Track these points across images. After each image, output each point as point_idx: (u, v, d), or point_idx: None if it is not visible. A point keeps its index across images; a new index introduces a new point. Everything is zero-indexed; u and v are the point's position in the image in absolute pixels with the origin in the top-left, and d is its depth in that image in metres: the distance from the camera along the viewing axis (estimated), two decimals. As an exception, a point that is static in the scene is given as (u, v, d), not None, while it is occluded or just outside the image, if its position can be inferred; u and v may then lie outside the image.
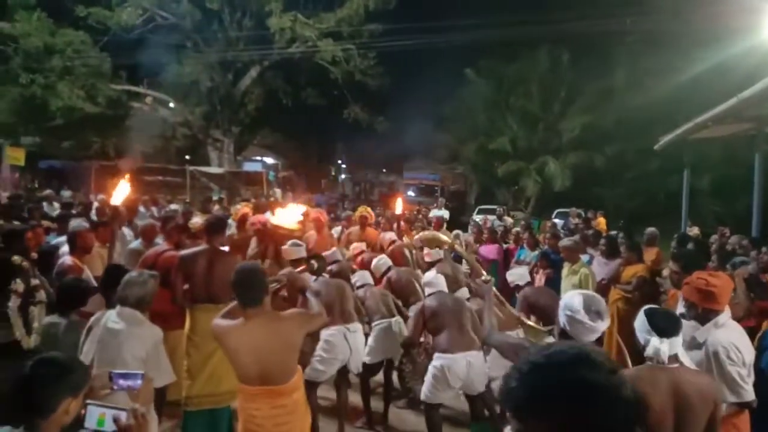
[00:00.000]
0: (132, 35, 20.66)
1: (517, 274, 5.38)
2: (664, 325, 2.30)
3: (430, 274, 4.60)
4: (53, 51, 19.14)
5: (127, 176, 5.29)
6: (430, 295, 4.38)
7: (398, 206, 8.59)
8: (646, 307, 2.43)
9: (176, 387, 4.04)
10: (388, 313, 4.84)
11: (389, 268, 5.57)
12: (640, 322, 2.37)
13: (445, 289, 4.45)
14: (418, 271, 5.97)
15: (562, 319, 2.37)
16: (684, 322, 2.93)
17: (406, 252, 6.67)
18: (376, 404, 4.91)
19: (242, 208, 6.58)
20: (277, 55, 22.28)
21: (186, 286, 4.34)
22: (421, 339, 4.48)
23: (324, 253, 5.95)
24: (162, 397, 3.40)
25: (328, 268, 5.59)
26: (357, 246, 6.38)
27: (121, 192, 5.02)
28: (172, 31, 21.76)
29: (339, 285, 4.72)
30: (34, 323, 4.04)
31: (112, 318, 3.22)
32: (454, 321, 4.07)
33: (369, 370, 4.68)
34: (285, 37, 20.98)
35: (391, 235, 7.16)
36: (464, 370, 3.93)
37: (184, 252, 4.59)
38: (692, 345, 2.88)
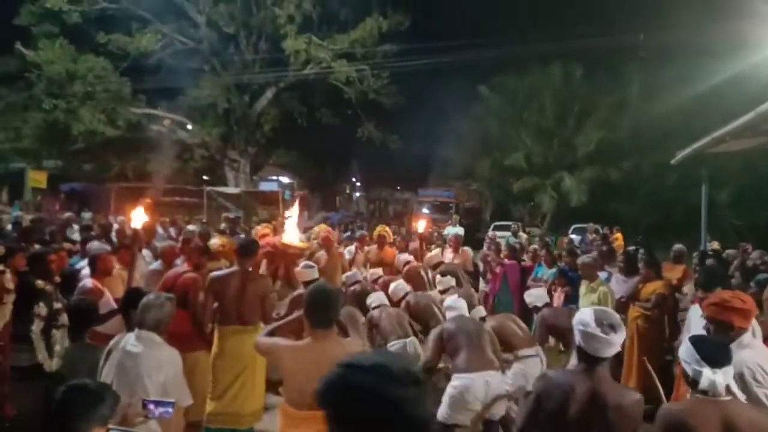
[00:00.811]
0: (151, 60, 21.17)
1: (535, 295, 5.35)
2: (716, 355, 2.18)
3: (452, 299, 4.56)
4: (75, 77, 19.67)
5: (149, 200, 5.38)
6: (450, 319, 4.36)
7: (420, 225, 8.54)
8: (691, 335, 2.33)
9: (194, 408, 4.07)
10: (404, 333, 4.81)
11: (407, 293, 5.55)
12: (687, 352, 2.24)
13: (466, 313, 4.42)
14: (436, 294, 5.93)
15: (576, 336, 2.34)
16: None
17: (422, 273, 6.65)
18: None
19: (262, 230, 6.62)
20: (292, 77, 22.64)
21: (215, 306, 4.40)
22: (440, 365, 4.43)
23: (345, 275, 5.97)
24: (179, 419, 3.42)
25: (350, 289, 5.60)
26: (374, 272, 6.37)
27: (140, 215, 5.09)
28: (190, 55, 22.29)
29: (349, 312, 4.74)
30: (56, 346, 4.11)
31: (130, 341, 3.26)
32: (472, 341, 4.04)
33: None
34: (300, 59, 21.34)
35: (405, 257, 7.15)
36: (483, 389, 3.88)
37: (215, 273, 4.64)
38: None
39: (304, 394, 2.68)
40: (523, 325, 4.89)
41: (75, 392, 1.85)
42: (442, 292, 5.87)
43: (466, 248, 8.49)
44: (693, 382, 2.19)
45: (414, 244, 7.34)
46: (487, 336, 4.21)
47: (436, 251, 7.51)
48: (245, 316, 4.31)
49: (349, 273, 5.88)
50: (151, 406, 2.13)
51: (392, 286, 5.71)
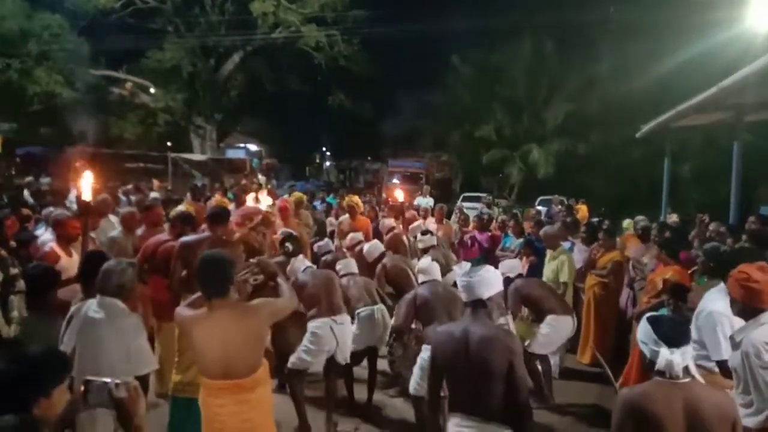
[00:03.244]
0: (111, 19, 20.25)
1: (508, 266, 5.43)
2: (673, 334, 2.10)
3: (425, 262, 4.55)
4: (30, 35, 18.68)
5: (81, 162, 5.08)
6: (423, 283, 4.36)
7: (399, 195, 8.57)
8: (648, 314, 2.26)
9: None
10: (371, 300, 4.83)
11: (382, 254, 5.56)
12: (644, 332, 2.16)
13: (439, 278, 4.42)
14: (414, 260, 5.96)
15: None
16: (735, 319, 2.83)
17: (404, 239, 6.69)
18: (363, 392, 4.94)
19: (218, 200, 6.46)
20: (259, 41, 22.04)
21: (184, 273, 4.30)
22: (412, 326, 4.47)
23: (318, 244, 5.93)
24: (145, 385, 3.38)
25: (322, 258, 5.57)
26: (354, 237, 6.36)
27: (87, 183, 4.76)
28: (153, 14, 21.39)
29: (327, 276, 4.69)
30: (13, 312, 4.00)
31: (92, 308, 3.18)
32: (445, 312, 4.02)
33: (352, 358, 4.69)
34: (268, 22, 20.75)
35: (390, 222, 7.21)
36: None
37: (185, 239, 4.54)
38: (734, 345, 2.73)
39: (209, 364, 2.70)
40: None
41: (18, 362, 1.81)
42: (424, 251, 5.92)
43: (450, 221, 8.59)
44: (650, 364, 2.13)
45: (389, 221, 7.33)
46: (460, 303, 4.21)
47: (418, 222, 7.54)
48: None
49: (321, 242, 5.85)
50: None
51: (367, 246, 5.73)
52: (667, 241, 5.31)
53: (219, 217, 4.47)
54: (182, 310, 2.85)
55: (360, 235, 6.45)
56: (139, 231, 5.53)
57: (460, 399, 2.58)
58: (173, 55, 20.88)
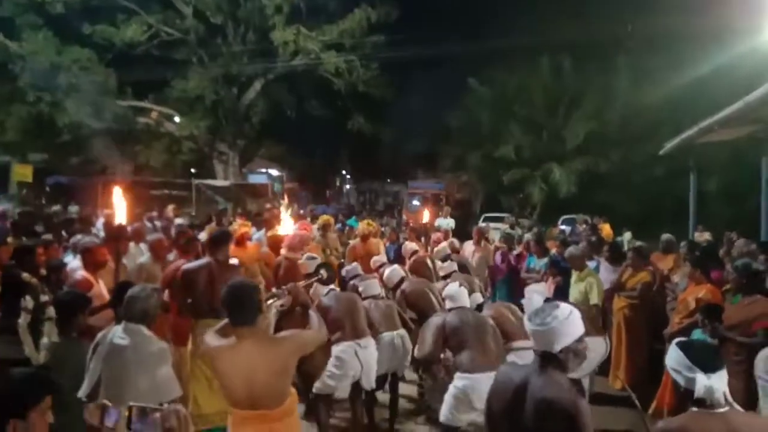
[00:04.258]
0: (137, 51, 20.89)
1: (535, 291, 5.34)
2: (707, 358, 1.97)
3: (453, 287, 4.43)
4: (60, 68, 19.35)
5: (123, 191, 5.24)
6: (451, 309, 4.27)
7: (425, 216, 8.56)
8: (677, 340, 2.12)
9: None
10: (392, 326, 4.77)
11: (402, 279, 5.52)
12: (674, 359, 2.02)
13: (467, 304, 4.33)
14: (436, 283, 5.92)
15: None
16: None
17: (428, 262, 6.66)
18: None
19: (240, 227, 6.57)
20: (280, 68, 22.46)
21: (189, 300, 4.34)
22: (441, 355, 4.39)
23: (345, 268, 5.95)
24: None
25: (350, 282, 5.57)
26: (377, 260, 6.36)
27: (122, 209, 4.95)
28: (177, 46, 22.01)
29: (350, 299, 4.67)
30: (44, 339, 4.06)
31: (118, 334, 3.22)
32: (476, 338, 3.94)
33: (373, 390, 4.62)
34: (288, 50, 21.15)
35: (412, 246, 7.20)
36: (487, 390, 3.81)
37: (186, 265, 4.59)
38: None
39: (236, 394, 2.65)
40: (519, 314, 4.86)
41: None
42: (445, 277, 5.88)
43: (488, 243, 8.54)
44: (687, 393, 1.97)
45: (411, 245, 7.34)
46: (491, 329, 4.11)
47: (443, 245, 7.52)
48: (218, 308, 4.21)
49: (349, 267, 5.84)
50: (111, 412, 2.17)
51: (387, 271, 5.67)
52: (699, 260, 5.18)
53: (219, 241, 4.46)
54: (210, 339, 2.80)
55: (383, 258, 6.44)
56: (171, 257, 5.62)
57: None
58: (197, 84, 21.39)
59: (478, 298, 5.02)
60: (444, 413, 3.90)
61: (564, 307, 2.19)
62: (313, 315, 3.16)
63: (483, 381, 3.76)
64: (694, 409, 1.95)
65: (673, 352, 2.05)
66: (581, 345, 2.16)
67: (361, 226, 7.94)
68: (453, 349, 4.05)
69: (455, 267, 6.08)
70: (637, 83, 20.86)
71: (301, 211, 15.00)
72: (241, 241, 6.36)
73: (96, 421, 2.29)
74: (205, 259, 4.46)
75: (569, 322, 2.14)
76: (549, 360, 2.14)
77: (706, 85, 14.36)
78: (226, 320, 2.93)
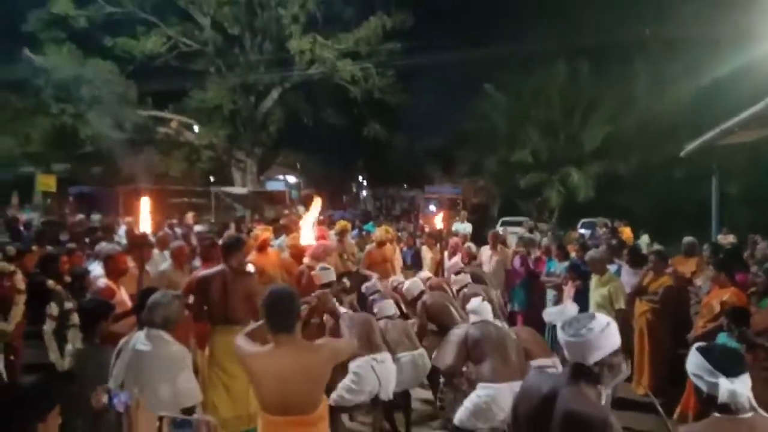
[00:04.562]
0: (157, 62, 21.27)
1: (553, 315, 5.28)
2: (730, 362, 1.92)
3: (475, 302, 4.43)
4: (82, 81, 19.79)
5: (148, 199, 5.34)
6: (474, 323, 4.26)
7: (438, 222, 8.56)
8: (697, 345, 2.08)
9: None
10: (411, 345, 4.76)
11: (422, 292, 5.49)
12: (696, 363, 1.97)
13: (491, 318, 4.32)
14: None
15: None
16: None
17: (445, 286, 6.59)
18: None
19: (262, 233, 6.62)
20: (297, 77, 22.69)
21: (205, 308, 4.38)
22: (464, 368, 4.37)
23: (365, 285, 5.94)
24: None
25: (370, 298, 5.56)
26: (394, 279, 6.30)
27: (145, 217, 5.06)
28: (196, 57, 22.37)
29: (365, 317, 4.69)
30: (68, 346, 4.14)
31: (140, 340, 3.26)
32: (498, 350, 3.94)
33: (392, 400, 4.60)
34: (305, 59, 21.36)
35: (426, 274, 7.13)
36: (509, 401, 3.64)
37: (201, 273, 4.64)
38: None
39: (271, 400, 2.64)
40: (540, 337, 4.82)
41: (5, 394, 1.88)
42: (459, 290, 5.86)
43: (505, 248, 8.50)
44: (709, 398, 1.91)
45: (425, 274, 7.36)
46: (513, 342, 4.11)
47: (455, 260, 7.48)
48: (233, 315, 4.23)
49: (368, 283, 5.84)
50: (117, 396, 2.24)
51: (407, 284, 5.64)
52: (723, 263, 5.08)
53: (232, 248, 4.45)
54: (244, 344, 2.79)
55: (401, 277, 6.43)
56: (196, 263, 5.69)
57: None
58: (215, 94, 21.69)
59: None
60: (460, 417, 3.88)
61: (600, 319, 2.05)
62: (343, 324, 3.12)
63: (504, 391, 3.74)
64: (717, 414, 1.90)
65: (694, 357, 2.00)
66: (617, 359, 2.03)
67: (378, 232, 7.96)
68: (475, 361, 4.03)
69: (468, 279, 6.04)
70: (656, 86, 20.62)
71: (321, 217, 15.06)
72: (263, 246, 6.40)
73: (101, 405, 2.34)
74: (219, 267, 4.49)
75: (605, 335, 1.99)
76: (581, 372, 2.02)
77: (724, 88, 14.15)
78: (254, 324, 2.94)
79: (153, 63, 21.21)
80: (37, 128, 20.60)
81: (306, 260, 6.14)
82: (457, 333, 4.32)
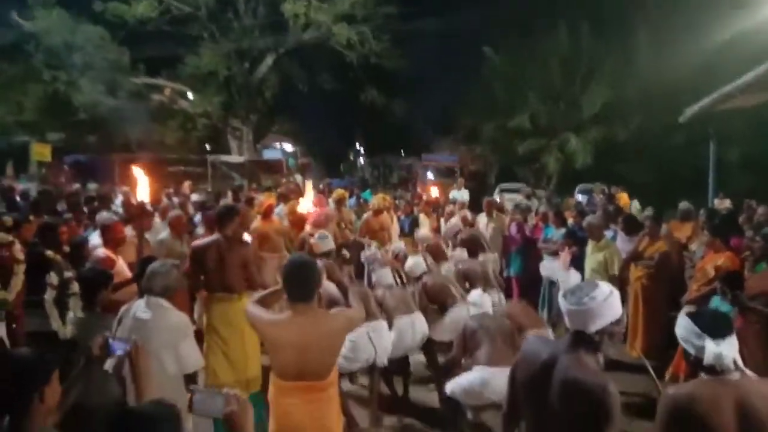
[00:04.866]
0: (149, 28, 20.83)
1: (550, 269, 5.35)
2: (716, 325, 1.97)
3: (475, 294, 4.51)
4: (73, 47, 19.41)
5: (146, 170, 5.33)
6: (473, 315, 4.34)
7: (434, 191, 8.58)
8: (685, 310, 2.15)
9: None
10: (408, 309, 4.82)
11: (423, 273, 5.49)
12: (684, 327, 2.03)
13: (490, 311, 4.39)
14: (453, 264, 5.96)
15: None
16: None
17: (442, 245, 6.70)
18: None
19: (266, 199, 6.63)
20: (292, 42, 22.27)
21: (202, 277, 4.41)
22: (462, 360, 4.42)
23: (364, 255, 5.97)
24: (193, 383, 3.49)
25: (369, 267, 5.58)
26: (396, 247, 6.37)
27: (143, 187, 5.07)
28: (188, 21, 21.88)
29: (360, 289, 4.74)
30: (70, 314, 4.19)
31: (140, 308, 3.31)
32: (493, 340, 4.00)
33: (390, 364, 4.67)
34: (299, 23, 20.93)
35: (425, 233, 7.29)
36: (502, 385, 3.74)
37: (196, 242, 4.66)
38: None
39: (287, 366, 2.69)
40: (532, 311, 4.88)
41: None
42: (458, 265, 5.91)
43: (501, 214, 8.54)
44: (696, 360, 1.98)
45: (424, 233, 7.37)
46: (510, 333, 4.15)
47: (454, 220, 7.52)
48: (228, 283, 4.30)
49: (368, 252, 5.87)
50: (114, 345, 2.29)
51: (410, 262, 5.67)
52: (719, 228, 5.12)
53: (226, 217, 4.46)
54: (259, 311, 2.82)
55: (401, 245, 6.47)
56: (200, 230, 5.72)
57: (532, 429, 2.25)
58: (209, 60, 21.33)
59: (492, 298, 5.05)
60: (453, 387, 3.94)
61: (603, 287, 2.06)
62: (353, 293, 3.17)
63: (498, 375, 3.73)
64: (704, 375, 1.96)
65: (683, 321, 2.04)
66: (618, 327, 2.06)
67: (375, 200, 8.00)
68: (471, 350, 4.09)
69: (465, 256, 6.09)
70: (657, 52, 20.30)
71: (321, 186, 15.06)
72: (268, 213, 6.41)
73: (99, 352, 2.41)
74: (214, 236, 4.51)
75: (608, 304, 2.01)
76: (582, 340, 2.04)
77: (726, 53, 13.93)
78: (263, 291, 2.99)
79: (145, 28, 20.74)
80: (29, 96, 20.33)
81: (307, 228, 6.17)
82: (455, 316, 4.33)
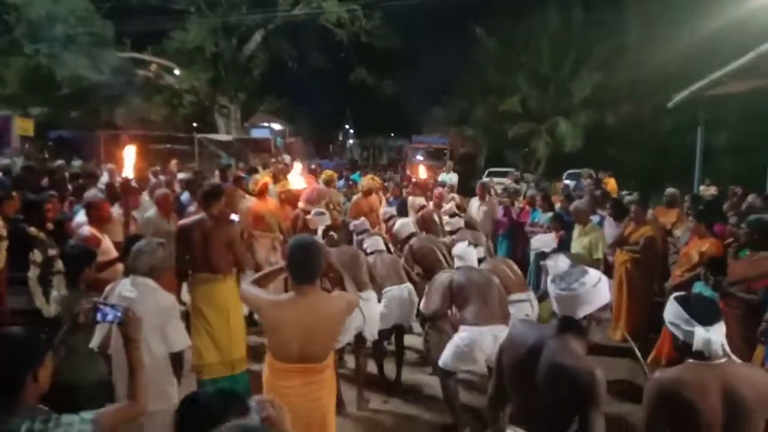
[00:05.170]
0: (134, 1, 20.33)
1: (543, 241, 5.38)
2: (705, 312, 1.98)
3: (461, 247, 4.47)
4: (56, 19, 18.91)
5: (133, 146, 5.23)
6: (458, 268, 4.32)
7: (422, 172, 8.52)
8: (675, 295, 2.11)
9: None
10: (399, 279, 4.83)
11: (411, 235, 5.52)
12: (674, 312, 2.02)
13: (476, 264, 4.37)
14: (444, 239, 5.96)
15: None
16: None
17: (435, 217, 6.70)
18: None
19: (262, 178, 6.53)
20: (281, 18, 21.88)
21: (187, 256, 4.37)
22: (448, 312, 4.45)
23: (353, 222, 5.96)
24: (180, 362, 3.48)
25: (357, 237, 5.58)
26: (387, 211, 6.39)
27: (129, 163, 4.99)
28: (175, -5, 21.40)
29: (352, 253, 4.73)
30: (54, 292, 4.13)
31: (126, 287, 3.27)
32: (481, 294, 4.01)
33: (380, 336, 4.71)
34: (289, -1, 20.59)
35: (420, 201, 7.23)
36: (490, 344, 3.82)
37: (182, 221, 4.62)
38: None
39: (288, 348, 2.66)
40: (516, 269, 4.93)
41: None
42: (452, 232, 5.92)
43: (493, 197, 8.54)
44: (684, 346, 1.99)
45: (419, 200, 7.35)
46: (496, 288, 4.17)
47: (450, 205, 7.51)
48: (213, 263, 4.26)
49: (356, 221, 5.87)
50: (104, 309, 2.16)
51: (398, 224, 5.69)
52: (703, 214, 5.18)
53: (212, 196, 4.41)
54: (257, 292, 2.79)
55: (393, 210, 6.46)
56: (192, 208, 5.67)
57: (518, 413, 2.26)
58: (196, 35, 20.93)
59: (480, 252, 5.05)
60: (443, 359, 4.00)
61: (593, 273, 2.09)
62: (347, 278, 3.14)
63: (485, 334, 3.86)
64: (692, 360, 1.98)
65: (671, 306, 2.05)
66: (605, 313, 2.09)
67: (364, 180, 7.95)
68: (458, 306, 4.12)
69: (462, 223, 6.10)
70: (648, 35, 20.28)
71: (312, 166, 14.96)
72: (263, 192, 6.36)
73: (85, 319, 2.34)
74: (199, 215, 4.45)
75: (596, 290, 2.05)
76: (569, 325, 2.07)
77: (719, 38, 13.92)
78: (255, 273, 2.99)
79: (130, 1, 20.25)
80: (11, 69, 19.81)
81: (300, 205, 6.13)
82: (441, 278, 4.38)
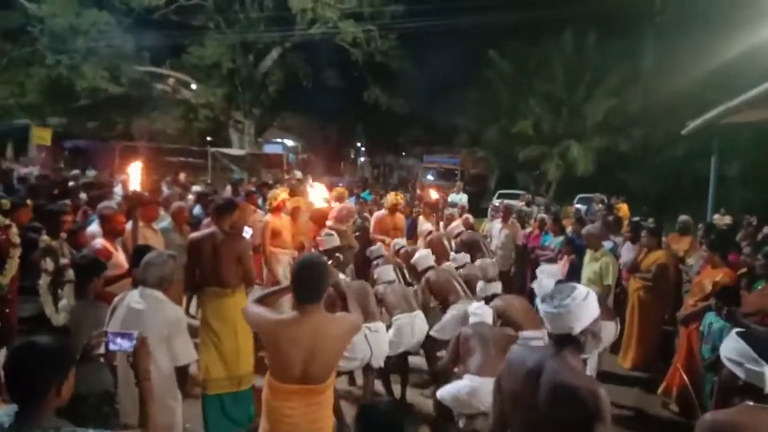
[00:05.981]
0: (155, 16, 20.76)
1: (549, 272, 5.34)
2: None
3: (478, 305, 4.44)
4: (78, 32, 19.32)
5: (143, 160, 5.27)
6: (472, 323, 4.27)
7: (431, 193, 8.50)
8: (737, 331, 2.00)
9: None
10: (408, 307, 4.80)
11: (429, 267, 5.46)
12: (737, 350, 1.90)
13: (489, 321, 4.33)
14: (451, 264, 5.94)
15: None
16: None
17: (444, 242, 6.66)
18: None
19: (280, 194, 6.50)
20: (298, 37, 22.21)
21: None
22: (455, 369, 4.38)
23: (369, 249, 5.93)
24: (185, 376, 3.46)
25: (374, 262, 5.56)
26: (397, 242, 6.36)
27: (136, 176, 4.98)
28: (195, 11, 21.81)
29: (361, 286, 4.71)
30: (63, 301, 4.16)
31: (134, 298, 3.27)
32: (487, 349, 3.96)
33: (388, 363, 4.65)
34: (306, 18, 20.88)
35: (427, 226, 7.20)
36: (490, 395, 3.75)
37: (193, 234, 4.61)
38: None
39: (289, 369, 2.60)
40: (531, 309, 4.85)
41: (23, 351, 1.82)
42: (458, 268, 5.89)
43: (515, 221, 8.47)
44: (746, 387, 1.85)
45: (427, 226, 7.32)
46: (505, 344, 4.09)
47: (456, 223, 7.47)
48: (222, 277, 4.25)
49: (373, 247, 5.84)
50: (116, 339, 2.16)
51: (417, 255, 5.63)
52: (717, 243, 5.11)
53: (223, 210, 4.40)
54: (261, 311, 2.73)
55: (403, 241, 6.44)
56: (205, 221, 5.71)
57: None
58: (214, 51, 21.26)
59: (496, 287, 4.98)
60: (442, 393, 3.92)
61: (581, 288, 2.09)
62: (351, 299, 3.10)
63: (486, 385, 3.71)
64: (750, 403, 1.85)
65: (734, 342, 1.92)
66: (597, 326, 2.08)
67: (390, 197, 7.70)
68: (463, 356, 4.06)
69: (468, 258, 6.07)
70: (662, 62, 20.33)
71: (326, 184, 15.01)
72: (280, 208, 6.36)
73: (101, 350, 2.33)
74: (210, 229, 4.46)
75: (587, 303, 2.04)
76: (566, 343, 2.04)
77: (734, 65, 13.92)
78: (264, 290, 2.95)
79: (151, 16, 20.66)
80: (32, 78, 20.23)
81: (329, 223, 6.12)
82: (457, 314, 4.31)
